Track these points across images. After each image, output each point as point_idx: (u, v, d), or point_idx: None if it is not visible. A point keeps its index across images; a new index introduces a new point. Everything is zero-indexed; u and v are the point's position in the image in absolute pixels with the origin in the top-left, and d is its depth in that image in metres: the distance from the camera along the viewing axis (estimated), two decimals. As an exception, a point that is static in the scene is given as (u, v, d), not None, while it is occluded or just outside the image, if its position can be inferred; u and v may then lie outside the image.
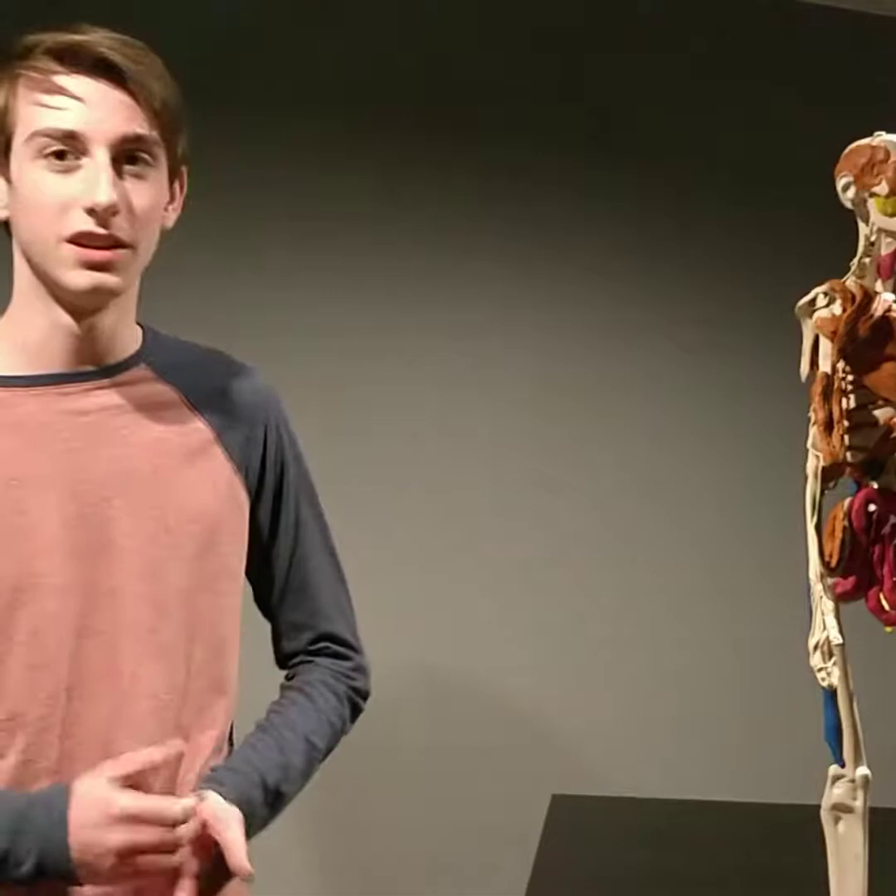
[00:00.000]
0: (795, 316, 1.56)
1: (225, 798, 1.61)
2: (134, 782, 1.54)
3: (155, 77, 1.60)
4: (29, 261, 1.62)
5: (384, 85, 3.64)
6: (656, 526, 3.82)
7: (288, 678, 1.87)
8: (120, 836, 1.51)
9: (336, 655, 1.87)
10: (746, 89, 3.80)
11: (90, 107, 1.55)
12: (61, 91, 1.55)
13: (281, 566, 1.85)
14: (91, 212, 1.54)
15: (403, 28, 3.66)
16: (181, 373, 1.73)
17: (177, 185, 1.69)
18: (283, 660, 1.89)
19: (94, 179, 1.55)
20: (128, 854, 1.51)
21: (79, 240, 1.56)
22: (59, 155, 1.56)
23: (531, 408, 3.79)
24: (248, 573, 1.81)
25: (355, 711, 1.87)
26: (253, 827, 1.65)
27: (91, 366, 1.66)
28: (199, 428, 1.72)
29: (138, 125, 1.58)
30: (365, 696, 1.89)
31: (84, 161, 1.56)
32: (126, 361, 1.69)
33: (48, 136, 1.55)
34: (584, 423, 3.81)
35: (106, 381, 1.67)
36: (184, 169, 1.70)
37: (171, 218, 1.69)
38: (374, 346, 3.62)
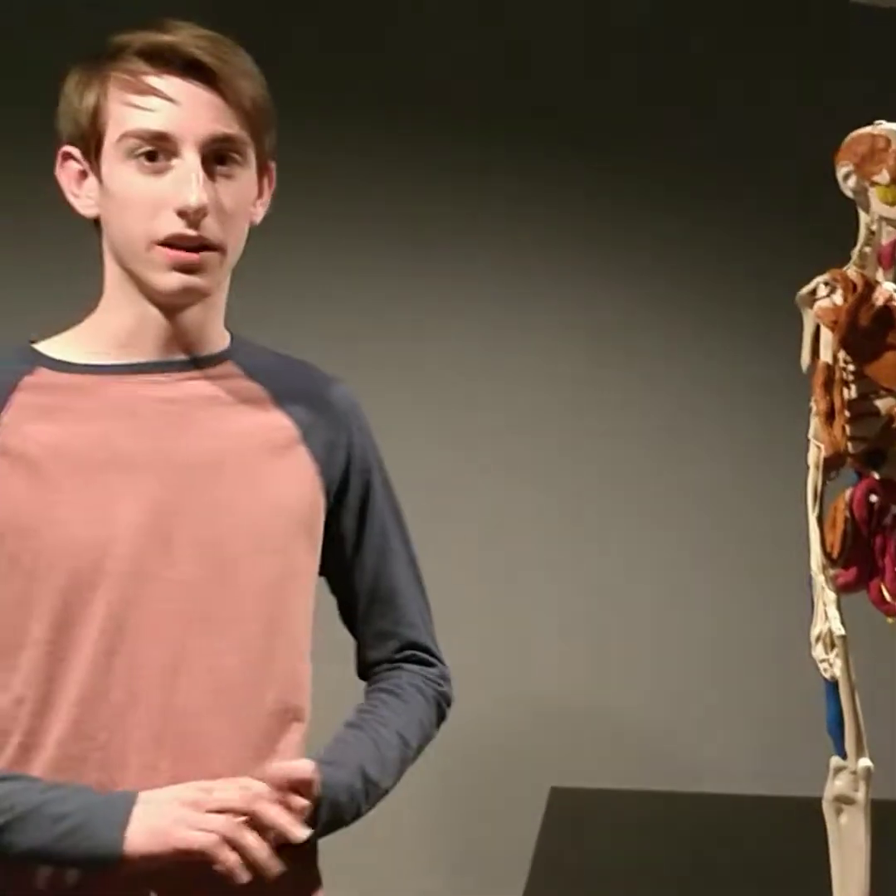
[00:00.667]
0: (796, 305, 1.56)
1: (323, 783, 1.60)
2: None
3: (244, 75, 1.60)
4: (118, 259, 1.63)
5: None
6: (654, 517, 3.82)
7: (371, 684, 1.85)
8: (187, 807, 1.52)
9: (421, 662, 1.86)
10: (747, 82, 3.80)
11: (180, 107, 1.57)
12: (152, 92, 1.56)
13: (368, 575, 1.83)
14: (182, 214, 1.56)
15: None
16: (268, 374, 1.74)
17: (265, 181, 1.69)
18: (366, 669, 1.87)
19: (185, 181, 1.56)
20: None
21: (169, 242, 1.57)
22: (150, 156, 1.57)
23: (530, 401, 3.79)
24: (333, 584, 1.82)
25: (441, 716, 1.87)
26: (347, 819, 1.66)
27: (181, 356, 1.67)
28: (285, 425, 1.72)
29: (227, 125, 1.59)
30: (450, 702, 1.88)
31: (175, 162, 1.57)
32: (215, 356, 1.70)
33: (139, 137, 1.56)
34: (586, 414, 3.81)
35: (196, 372, 1.68)
36: (272, 164, 1.70)
37: (259, 213, 1.69)
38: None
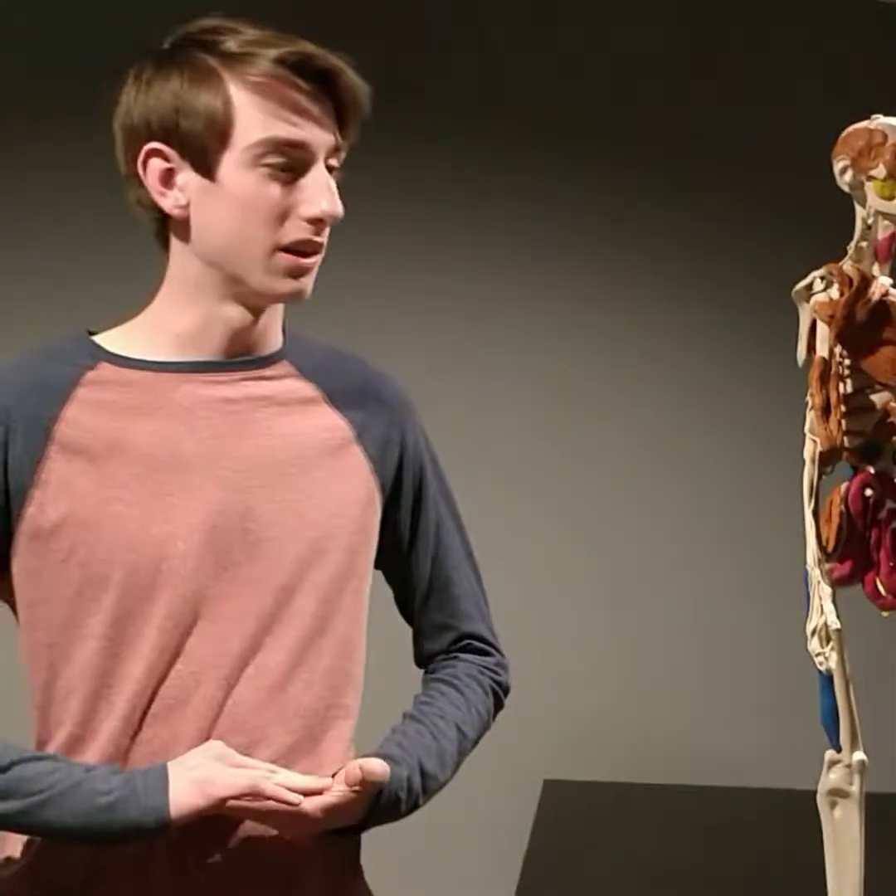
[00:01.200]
0: (792, 300, 1.56)
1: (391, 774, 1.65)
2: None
3: (363, 87, 1.63)
4: (211, 259, 1.64)
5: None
6: (649, 511, 3.83)
7: (429, 674, 1.88)
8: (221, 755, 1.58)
9: (478, 652, 1.89)
10: (741, 74, 3.80)
11: (313, 118, 1.60)
12: (291, 102, 1.59)
13: (424, 568, 1.86)
14: (316, 221, 1.60)
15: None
16: (321, 372, 1.76)
17: None
18: (424, 660, 1.90)
19: (321, 189, 1.60)
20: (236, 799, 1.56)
21: (295, 248, 1.61)
22: (283, 163, 1.59)
23: (528, 392, 3.80)
24: (389, 577, 1.85)
25: (498, 705, 1.90)
26: (402, 812, 1.71)
27: (241, 356, 1.69)
28: (339, 426, 1.74)
29: (342, 135, 1.63)
30: (507, 691, 1.91)
31: (304, 171, 1.60)
32: (271, 356, 1.72)
33: (276, 144, 1.58)
34: (580, 411, 3.82)
35: (254, 373, 1.70)
36: None
37: None
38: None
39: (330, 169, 1.63)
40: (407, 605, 1.88)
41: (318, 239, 1.62)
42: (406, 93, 3.71)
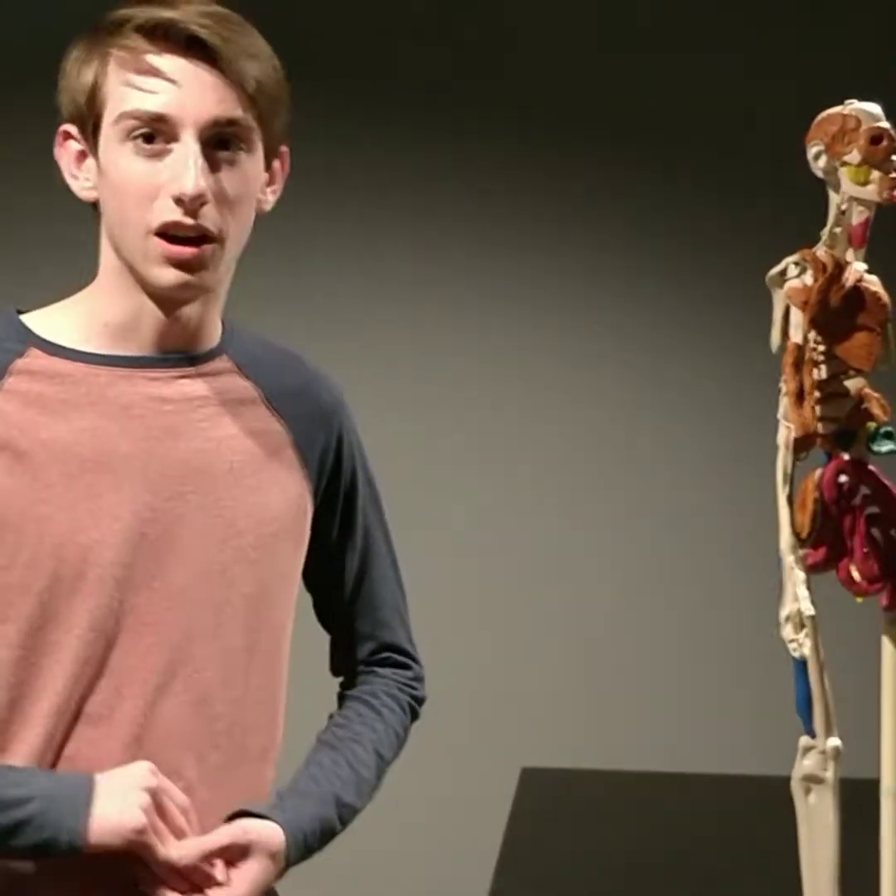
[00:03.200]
0: (766, 285, 1.56)
1: (284, 826, 1.59)
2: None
3: (250, 55, 1.52)
4: (115, 246, 1.56)
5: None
6: (625, 498, 3.83)
7: (344, 687, 1.83)
8: (145, 800, 1.50)
9: (397, 665, 1.82)
10: (714, 58, 3.80)
11: (181, 88, 1.48)
12: (151, 71, 1.48)
13: (348, 577, 1.78)
14: (179, 201, 1.48)
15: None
16: (260, 370, 1.67)
17: (277, 165, 1.61)
18: (341, 669, 1.84)
19: (183, 166, 1.48)
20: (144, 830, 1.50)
21: (166, 231, 1.49)
22: (148, 138, 1.49)
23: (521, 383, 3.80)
24: (310, 583, 1.77)
25: (414, 717, 1.85)
26: (317, 847, 1.65)
27: (176, 352, 1.60)
28: (276, 429, 1.66)
29: (230, 108, 1.50)
30: (422, 703, 1.86)
31: (173, 146, 1.49)
32: (210, 351, 1.63)
33: (136, 118, 1.48)
34: (557, 398, 3.82)
35: (190, 370, 1.60)
36: (284, 149, 1.62)
37: (268, 201, 1.62)
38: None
39: (224, 144, 1.51)
40: (327, 613, 1.81)
41: (188, 221, 1.49)
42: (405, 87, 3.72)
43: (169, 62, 1.49)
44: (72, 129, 1.55)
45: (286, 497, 1.67)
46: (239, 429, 1.63)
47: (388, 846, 3.72)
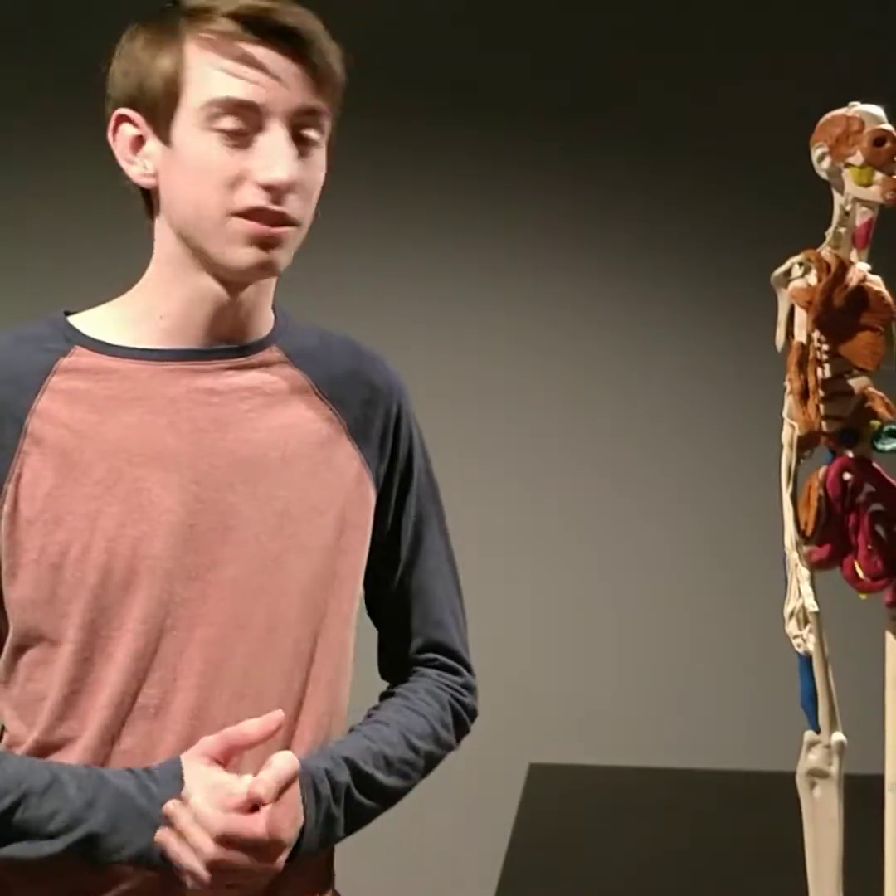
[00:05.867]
0: (771, 285, 1.57)
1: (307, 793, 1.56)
2: (229, 759, 1.51)
3: (331, 48, 1.54)
4: (180, 232, 1.56)
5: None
6: (631, 498, 3.84)
7: (387, 689, 1.80)
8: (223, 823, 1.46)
9: (444, 668, 1.80)
10: (720, 60, 3.80)
11: (272, 77, 1.50)
12: (244, 59, 1.49)
13: (399, 567, 1.76)
14: (269, 188, 1.49)
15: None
16: (312, 359, 1.67)
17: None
18: (387, 668, 1.82)
19: (274, 154, 1.49)
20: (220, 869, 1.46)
21: (249, 215, 1.50)
22: (236, 125, 1.49)
23: (519, 376, 3.81)
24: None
25: (460, 724, 1.79)
26: (346, 808, 1.61)
27: (226, 343, 1.60)
28: (328, 417, 1.66)
29: (313, 98, 1.53)
30: (472, 713, 1.82)
31: (259, 135, 1.50)
32: (260, 342, 1.63)
33: (227, 104, 1.49)
34: (561, 396, 3.83)
35: (240, 361, 1.61)
36: (333, 142, 1.63)
37: None
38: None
39: (301, 136, 1.53)
40: (376, 605, 1.79)
41: (274, 207, 1.51)
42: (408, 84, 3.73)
43: (262, 51, 1.50)
44: (131, 113, 1.55)
45: (343, 484, 1.66)
46: (289, 418, 1.63)
47: (397, 841, 3.73)
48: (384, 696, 1.79)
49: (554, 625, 3.79)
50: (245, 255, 1.52)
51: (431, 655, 1.80)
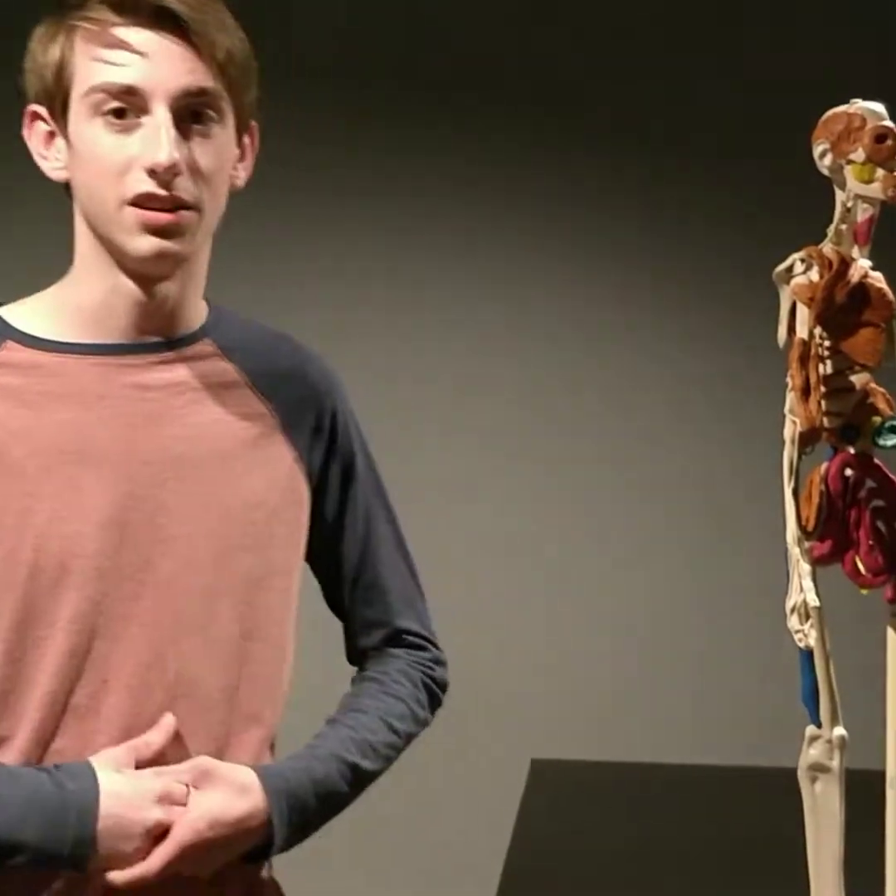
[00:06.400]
0: (773, 282, 1.58)
1: (256, 769, 1.57)
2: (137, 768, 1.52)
3: (219, 27, 1.52)
4: (90, 224, 1.55)
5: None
6: (634, 494, 3.84)
7: (358, 673, 1.81)
8: (155, 814, 1.49)
9: (412, 646, 1.80)
10: (720, 58, 3.81)
11: (150, 60, 1.48)
12: (120, 44, 1.48)
13: (351, 562, 1.77)
14: (152, 172, 1.48)
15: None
16: (246, 353, 1.66)
17: (247, 141, 1.61)
18: (354, 657, 1.83)
19: (155, 138, 1.48)
20: (155, 831, 1.49)
21: (140, 202, 1.49)
22: (118, 112, 1.49)
23: (517, 370, 3.81)
24: (316, 570, 1.76)
25: (434, 700, 1.81)
26: (328, 803, 1.63)
27: (154, 337, 1.59)
28: (262, 413, 1.65)
29: (201, 78, 1.50)
30: (443, 686, 1.83)
31: (144, 119, 1.49)
32: (191, 335, 1.62)
33: (106, 91, 1.48)
34: (561, 389, 3.83)
35: (170, 355, 1.60)
36: (254, 124, 1.62)
37: (241, 177, 1.62)
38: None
39: (195, 118, 1.51)
40: (335, 600, 1.80)
41: (161, 192, 1.48)
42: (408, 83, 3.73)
43: (137, 34, 1.49)
44: (39, 109, 1.55)
45: (276, 481, 1.65)
46: (222, 413, 1.62)
47: (399, 836, 3.74)
48: (356, 680, 1.80)
49: (556, 621, 3.80)
50: (143, 244, 1.51)
51: (398, 639, 1.81)
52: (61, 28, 1.52)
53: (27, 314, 1.60)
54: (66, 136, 1.54)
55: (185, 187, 1.50)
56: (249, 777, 1.56)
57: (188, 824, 1.50)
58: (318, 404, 1.71)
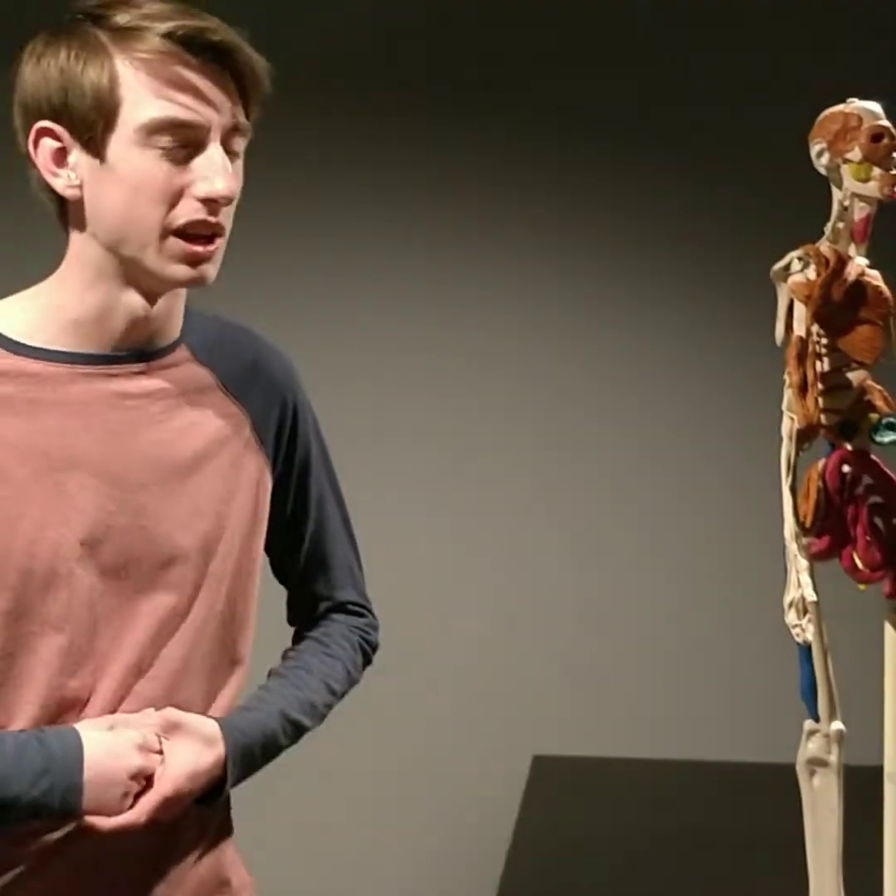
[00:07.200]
0: (771, 280, 1.59)
1: (218, 720, 1.68)
2: None
3: (261, 63, 1.57)
4: (108, 243, 1.57)
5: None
6: (634, 485, 3.84)
7: (298, 632, 1.93)
8: (136, 761, 1.58)
9: (350, 613, 1.92)
10: (718, 55, 3.81)
11: (210, 96, 1.53)
12: (184, 80, 1.52)
13: (303, 542, 1.88)
14: (207, 201, 1.53)
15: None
16: (215, 353, 1.73)
17: None
18: (296, 619, 1.94)
19: (214, 169, 1.53)
20: (138, 777, 1.59)
21: (187, 230, 1.54)
22: (176, 143, 1.52)
23: (519, 366, 3.81)
24: (269, 547, 1.83)
25: (366, 661, 1.94)
26: (268, 755, 1.74)
27: (136, 347, 1.64)
28: (233, 412, 1.73)
29: (242, 114, 1.57)
30: (375, 648, 1.95)
31: (197, 150, 1.54)
32: (170, 345, 1.68)
33: (169, 125, 1.52)
34: (555, 384, 3.83)
35: (149, 365, 1.65)
36: None
37: None
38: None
39: (229, 150, 1.56)
40: (283, 572, 1.91)
41: (212, 219, 1.54)
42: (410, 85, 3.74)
43: (198, 71, 1.53)
44: (52, 126, 1.55)
45: (247, 476, 1.74)
46: (198, 417, 1.69)
47: (401, 834, 3.75)
48: (297, 639, 1.92)
49: (557, 617, 3.80)
50: (181, 272, 1.57)
51: (339, 608, 1.92)
52: (100, 51, 1.53)
53: (12, 318, 1.62)
54: (99, 158, 1.54)
55: (226, 215, 1.57)
56: (215, 730, 1.66)
57: (169, 778, 1.60)
58: (280, 399, 1.80)
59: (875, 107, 1.52)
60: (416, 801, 3.78)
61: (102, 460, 1.61)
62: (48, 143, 1.56)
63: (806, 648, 1.61)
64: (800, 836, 1.66)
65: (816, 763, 1.64)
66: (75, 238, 1.61)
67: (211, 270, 1.58)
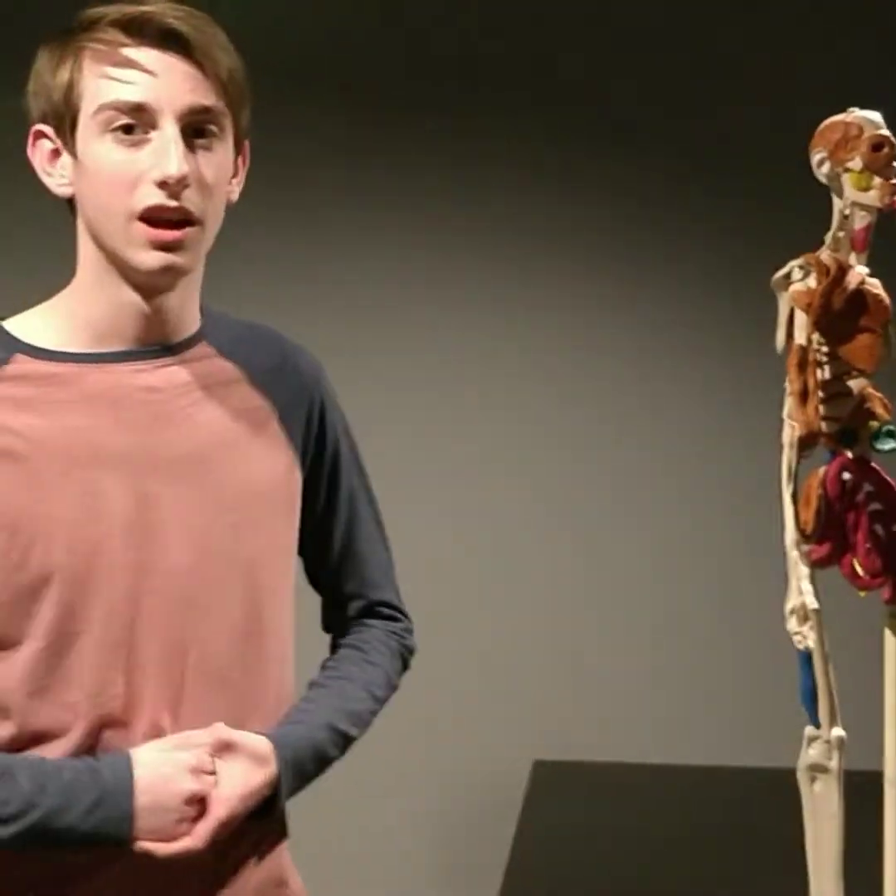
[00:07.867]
0: (771, 289, 1.59)
1: (270, 738, 1.67)
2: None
3: (220, 47, 1.59)
4: (95, 238, 1.60)
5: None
6: (637, 491, 3.84)
7: (336, 640, 1.91)
8: (189, 785, 1.58)
9: (386, 617, 1.91)
10: (722, 65, 3.81)
11: (158, 78, 1.54)
12: (128, 63, 1.54)
13: (335, 540, 1.87)
14: (162, 184, 1.53)
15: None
16: (241, 349, 1.74)
17: (240, 159, 1.67)
18: (332, 626, 1.93)
19: (164, 151, 1.53)
20: (192, 802, 1.59)
21: (149, 215, 1.54)
22: (127, 129, 1.54)
23: (519, 363, 3.82)
24: (301, 548, 1.83)
25: (405, 666, 1.93)
26: (319, 769, 1.74)
27: (158, 344, 1.65)
28: (261, 405, 1.73)
29: (205, 96, 1.56)
30: (413, 652, 1.95)
31: (152, 134, 1.54)
32: (190, 339, 1.69)
33: (116, 109, 1.54)
34: (561, 385, 3.84)
35: (173, 358, 1.66)
36: (246, 143, 1.68)
37: (235, 192, 1.68)
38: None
39: (198, 133, 1.57)
40: (316, 576, 1.90)
41: (171, 203, 1.54)
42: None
43: (145, 54, 1.55)
44: (45, 128, 1.60)
45: (275, 469, 1.74)
46: (225, 409, 1.70)
47: (402, 837, 3.75)
48: (336, 647, 1.90)
49: (558, 622, 3.80)
50: (149, 259, 1.56)
51: (373, 610, 1.91)
52: (69, 50, 1.57)
53: (33, 327, 1.64)
54: (73, 154, 1.58)
55: (191, 200, 1.56)
56: (266, 748, 1.66)
57: (224, 801, 1.60)
58: (308, 395, 1.80)
59: (875, 116, 1.53)
60: (416, 806, 3.78)
61: (133, 455, 1.62)
62: (44, 146, 1.62)
63: (806, 655, 1.61)
64: (800, 841, 1.67)
65: (817, 769, 1.65)
66: (79, 240, 1.64)
67: (181, 258, 1.57)
